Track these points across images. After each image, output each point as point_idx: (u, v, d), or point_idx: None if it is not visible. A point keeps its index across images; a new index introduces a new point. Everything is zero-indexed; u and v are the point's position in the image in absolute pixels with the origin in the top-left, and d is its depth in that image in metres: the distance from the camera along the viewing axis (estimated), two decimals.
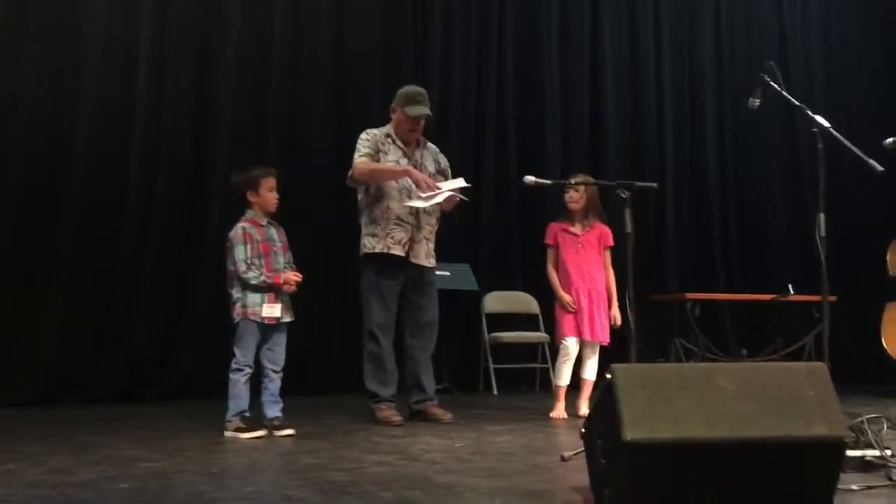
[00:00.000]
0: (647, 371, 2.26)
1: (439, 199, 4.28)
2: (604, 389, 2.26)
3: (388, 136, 4.45)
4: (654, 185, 4.03)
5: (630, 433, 2.06)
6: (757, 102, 3.63)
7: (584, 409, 4.59)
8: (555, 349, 5.29)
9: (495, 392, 6.17)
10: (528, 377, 6.64)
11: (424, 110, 4.41)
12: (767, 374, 2.27)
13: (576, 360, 4.64)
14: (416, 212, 4.36)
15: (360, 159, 4.34)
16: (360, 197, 4.51)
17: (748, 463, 2.12)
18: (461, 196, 4.39)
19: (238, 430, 3.80)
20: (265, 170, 4.08)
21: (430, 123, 4.66)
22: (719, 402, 2.18)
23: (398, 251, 4.33)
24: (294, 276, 3.97)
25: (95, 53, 5.69)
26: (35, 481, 2.72)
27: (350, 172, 4.38)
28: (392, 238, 4.33)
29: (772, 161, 7.86)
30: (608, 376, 2.21)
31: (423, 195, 4.25)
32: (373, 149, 4.39)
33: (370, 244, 4.38)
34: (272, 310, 3.94)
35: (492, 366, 6.30)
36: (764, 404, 2.18)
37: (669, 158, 7.57)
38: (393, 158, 4.41)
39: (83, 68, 5.65)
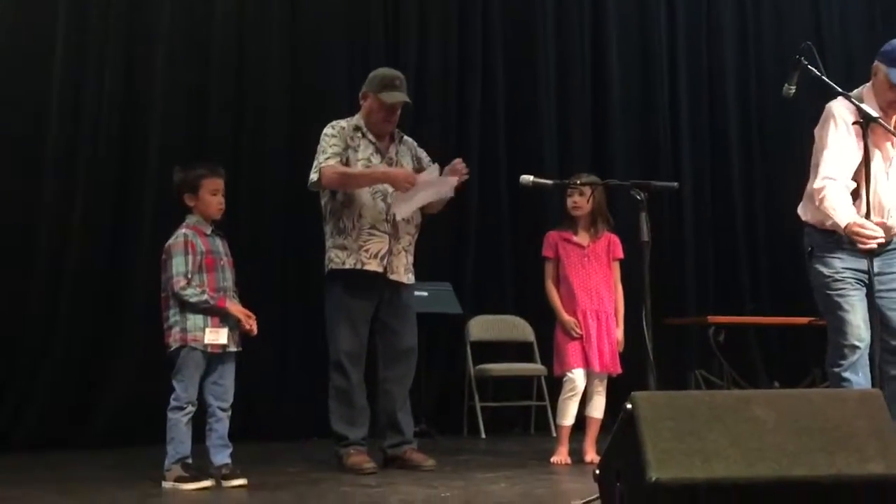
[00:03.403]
0: (674, 400, 2.33)
1: (420, 201, 4.33)
2: (623, 422, 2.32)
3: (357, 128, 4.49)
4: (675, 184, 4.11)
5: (656, 473, 2.12)
6: (793, 89, 3.73)
7: (591, 454, 4.65)
8: (553, 383, 5.35)
9: (483, 435, 6.22)
10: (522, 417, 6.70)
11: (402, 97, 4.45)
12: (812, 403, 2.34)
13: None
14: (392, 218, 4.41)
15: (327, 163, 4.35)
16: (323, 201, 4.53)
17: None
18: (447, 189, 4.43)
19: (179, 479, 3.79)
20: (210, 169, 4.10)
21: (407, 112, 4.71)
22: (757, 435, 2.24)
23: (374, 266, 4.36)
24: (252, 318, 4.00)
25: None
26: None
27: (313, 176, 4.39)
28: (367, 251, 4.36)
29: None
30: (628, 406, 2.28)
31: (405, 196, 4.30)
32: (340, 146, 4.41)
33: (339, 258, 4.40)
34: (216, 335, 3.95)
35: (478, 404, 6.35)
36: (810, 438, 2.25)
37: (686, 156, 7.68)
38: (364, 156, 4.44)
39: None
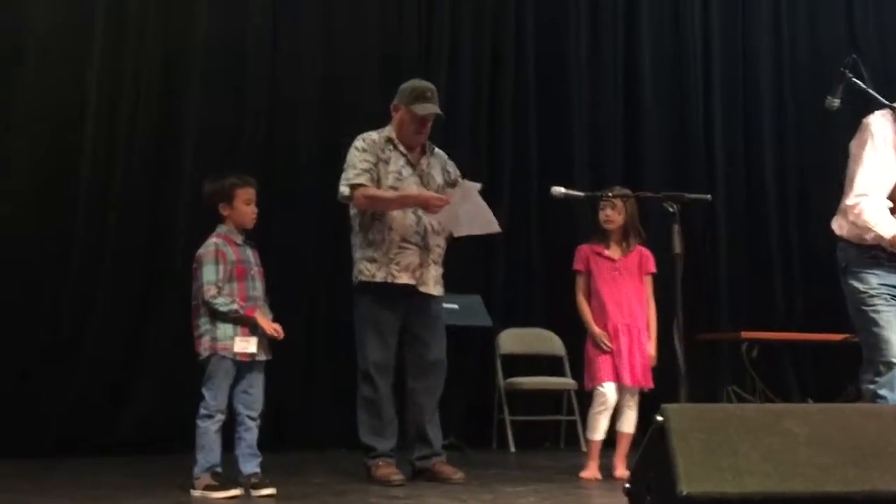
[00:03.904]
0: (705, 412, 2.31)
1: (459, 220, 4.39)
2: (653, 434, 2.31)
3: (388, 140, 4.49)
4: (708, 196, 4.09)
5: (687, 486, 2.11)
6: (836, 102, 3.67)
7: (621, 469, 4.61)
8: (583, 398, 5.32)
9: (512, 449, 6.21)
10: (552, 432, 6.68)
11: (434, 108, 4.46)
12: (846, 418, 2.32)
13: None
14: (423, 230, 4.42)
15: (358, 180, 4.36)
16: (353, 211, 4.53)
17: None
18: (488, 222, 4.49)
19: (208, 488, 3.82)
20: (243, 179, 4.14)
21: (438, 125, 4.74)
22: (790, 449, 2.23)
23: (406, 279, 4.37)
24: (279, 329, 4.03)
25: (37, 37, 5.77)
26: None
27: (344, 190, 4.39)
28: (398, 264, 4.37)
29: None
30: (659, 418, 2.26)
31: (439, 214, 4.33)
32: (372, 162, 4.41)
33: (369, 271, 4.40)
34: (245, 344, 3.97)
35: (508, 418, 6.34)
36: (843, 453, 2.23)
37: (720, 169, 7.65)
38: (395, 168, 4.45)
39: (21, 53, 5.70)
